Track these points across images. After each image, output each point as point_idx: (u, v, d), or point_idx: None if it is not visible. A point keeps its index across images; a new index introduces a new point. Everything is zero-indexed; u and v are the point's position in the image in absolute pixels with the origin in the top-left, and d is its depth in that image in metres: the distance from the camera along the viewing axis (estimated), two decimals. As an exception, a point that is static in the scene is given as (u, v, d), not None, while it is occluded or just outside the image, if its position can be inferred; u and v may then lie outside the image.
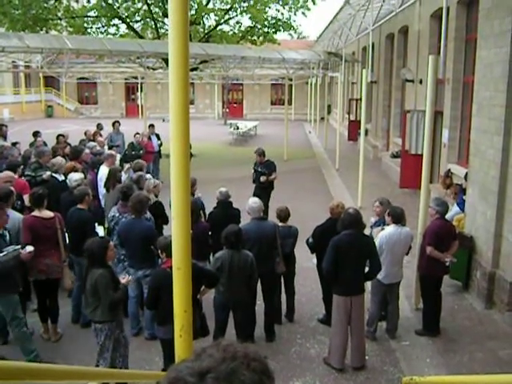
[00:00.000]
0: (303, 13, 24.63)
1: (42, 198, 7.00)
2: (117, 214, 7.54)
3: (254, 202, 7.41)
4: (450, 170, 12.14)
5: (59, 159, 10.10)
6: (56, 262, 6.91)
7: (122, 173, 10.21)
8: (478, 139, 8.81)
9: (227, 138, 30.59)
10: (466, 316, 7.96)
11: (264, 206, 7.99)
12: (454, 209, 9.97)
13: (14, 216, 7.00)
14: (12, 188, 7.55)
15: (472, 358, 6.72)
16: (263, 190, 11.75)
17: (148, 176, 9.47)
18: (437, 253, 7.16)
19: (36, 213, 6.91)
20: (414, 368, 6.51)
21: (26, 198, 8.40)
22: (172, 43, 3.27)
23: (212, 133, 33.34)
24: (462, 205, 9.65)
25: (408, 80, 16.84)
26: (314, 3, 24.87)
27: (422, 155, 8.33)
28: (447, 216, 7.95)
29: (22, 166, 10.02)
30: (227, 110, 45.22)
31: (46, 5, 22.20)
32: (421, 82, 15.52)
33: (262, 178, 11.84)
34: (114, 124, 17.13)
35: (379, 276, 6.84)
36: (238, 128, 30.53)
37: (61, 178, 9.34)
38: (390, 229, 7.03)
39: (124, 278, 5.88)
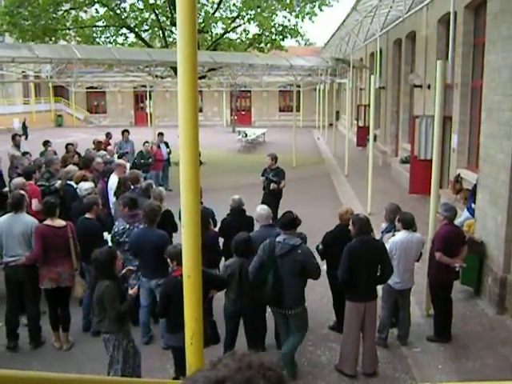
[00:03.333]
0: (310, 18, 24.65)
1: (54, 207, 7.09)
2: (127, 226, 7.47)
3: (263, 209, 7.41)
4: (459, 175, 12.09)
5: (72, 167, 10.22)
6: (67, 270, 6.97)
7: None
8: (488, 144, 8.78)
9: (235, 146, 30.63)
10: (477, 322, 7.91)
11: (272, 214, 7.98)
12: (464, 214, 9.92)
13: (28, 220, 7.09)
14: (23, 192, 7.68)
15: (484, 364, 6.67)
16: (272, 198, 11.76)
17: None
18: (446, 258, 7.13)
19: (48, 221, 6.98)
20: (425, 375, 6.48)
21: (34, 202, 8.52)
22: (180, 52, 3.29)
23: (220, 140, 33.42)
24: (471, 210, 9.61)
25: (416, 85, 16.82)
26: (320, 10, 24.92)
27: (431, 160, 8.31)
28: (457, 221, 7.91)
29: (37, 173, 10.16)
30: (235, 118, 45.31)
31: (55, 15, 22.36)
32: (429, 87, 15.50)
33: (272, 186, 11.90)
34: (123, 133, 17.24)
35: (391, 282, 6.82)
36: (246, 135, 30.57)
37: (75, 185, 9.40)
38: (401, 235, 7.01)
39: (132, 289, 5.88)
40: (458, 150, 13.16)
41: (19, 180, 9.02)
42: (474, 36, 12.70)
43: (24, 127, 38.24)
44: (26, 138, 35.77)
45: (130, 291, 5.81)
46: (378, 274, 6.40)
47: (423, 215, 9.87)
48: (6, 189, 10.52)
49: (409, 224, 7.04)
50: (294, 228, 6.26)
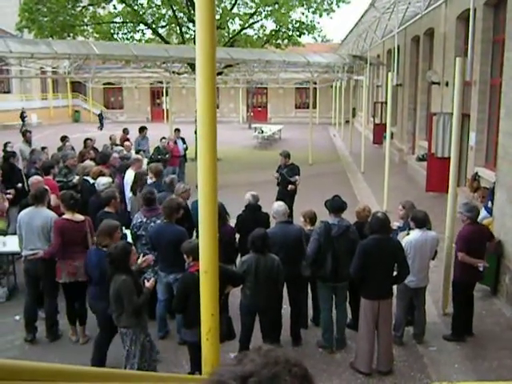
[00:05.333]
0: (328, 14, 24.53)
1: (77, 202, 7.15)
2: (144, 220, 7.52)
3: (279, 205, 7.40)
4: (477, 173, 12.00)
5: (90, 163, 10.29)
6: (85, 264, 7.02)
7: (148, 177, 10.28)
8: (506, 142, 8.70)
9: (251, 142, 30.63)
10: (494, 321, 7.85)
11: (288, 210, 7.97)
12: (481, 213, 9.82)
13: (47, 214, 7.19)
14: (47, 187, 7.79)
15: (501, 364, 6.62)
16: (287, 194, 11.76)
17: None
18: (468, 258, 7.07)
19: (67, 216, 7.04)
20: (441, 374, 6.44)
21: (52, 197, 8.58)
22: (199, 49, 3.30)
23: (236, 137, 33.41)
24: (489, 208, 9.52)
25: (434, 82, 16.70)
26: (338, 6, 24.79)
27: (448, 158, 8.25)
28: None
29: (55, 168, 10.23)
30: (251, 114, 45.28)
31: (73, 12, 22.48)
32: (447, 84, 15.38)
33: (290, 188, 11.98)
34: (140, 130, 17.35)
35: (406, 280, 6.79)
36: (262, 132, 30.55)
37: (92, 181, 9.47)
38: (416, 233, 6.97)
39: (148, 282, 5.92)
40: (475, 148, 13.05)
41: (34, 179, 9.04)
42: (494, 33, 12.57)
43: (101, 118, 38.96)
44: (102, 129, 36.48)
45: (147, 284, 5.83)
46: (395, 273, 6.39)
47: (440, 213, 9.79)
48: (20, 185, 10.52)
49: (421, 222, 6.98)
50: (343, 211, 6.91)
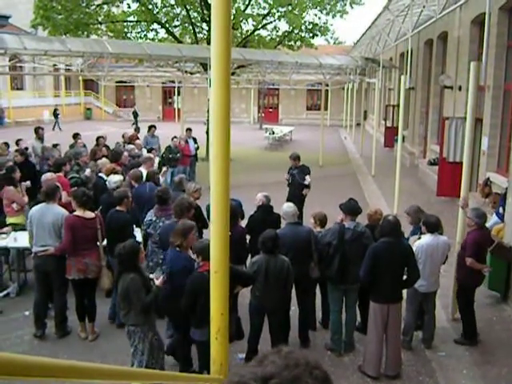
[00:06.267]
0: (341, 16, 24.48)
1: (89, 199, 7.18)
2: (153, 218, 7.56)
3: (289, 206, 7.40)
4: (488, 178, 11.92)
5: (105, 160, 10.35)
6: (94, 261, 7.06)
7: (159, 176, 10.30)
8: (520, 148, 8.64)
9: (262, 143, 30.62)
10: (504, 328, 7.80)
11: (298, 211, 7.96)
12: (492, 218, 9.77)
13: (59, 211, 7.23)
14: (58, 184, 7.84)
15: (510, 371, 6.57)
16: (297, 195, 11.75)
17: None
18: (478, 264, 7.06)
19: (78, 212, 7.07)
20: (450, 379, 6.41)
21: (63, 194, 8.60)
22: (214, 49, 3.30)
23: (247, 137, 33.38)
24: (500, 214, 9.46)
25: (447, 86, 16.63)
26: (351, 7, 24.75)
27: (460, 163, 8.21)
28: (486, 226, 7.79)
29: (67, 165, 10.29)
30: (262, 115, 45.25)
31: (87, 10, 22.59)
32: (460, 88, 15.31)
33: (305, 192, 12.04)
34: (149, 128, 17.42)
35: (416, 285, 6.76)
36: (273, 133, 30.54)
37: (105, 178, 9.50)
38: (427, 238, 6.94)
39: (158, 279, 5.90)
40: (487, 153, 12.98)
41: (49, 175, 9.13)
42: (508, 38, 12.51)
43: (135, 115, 39.13)
44: (137, 125, 36.71)
45: (157, 282, 5.81)
46: (405, 277, 6.37)
47: (451, 218, 9.75)
48: (28, 182, 10.44)
49: (433, 227, 6.95)
50: (357, 215, 6.97)
